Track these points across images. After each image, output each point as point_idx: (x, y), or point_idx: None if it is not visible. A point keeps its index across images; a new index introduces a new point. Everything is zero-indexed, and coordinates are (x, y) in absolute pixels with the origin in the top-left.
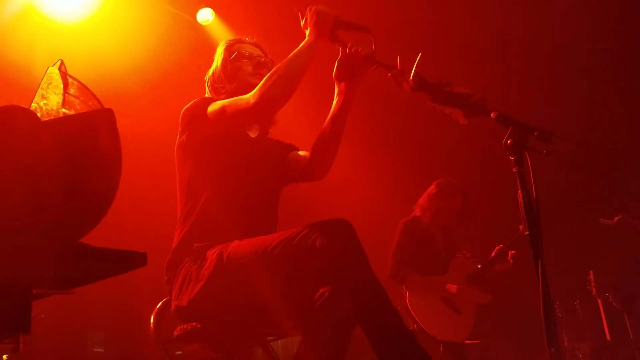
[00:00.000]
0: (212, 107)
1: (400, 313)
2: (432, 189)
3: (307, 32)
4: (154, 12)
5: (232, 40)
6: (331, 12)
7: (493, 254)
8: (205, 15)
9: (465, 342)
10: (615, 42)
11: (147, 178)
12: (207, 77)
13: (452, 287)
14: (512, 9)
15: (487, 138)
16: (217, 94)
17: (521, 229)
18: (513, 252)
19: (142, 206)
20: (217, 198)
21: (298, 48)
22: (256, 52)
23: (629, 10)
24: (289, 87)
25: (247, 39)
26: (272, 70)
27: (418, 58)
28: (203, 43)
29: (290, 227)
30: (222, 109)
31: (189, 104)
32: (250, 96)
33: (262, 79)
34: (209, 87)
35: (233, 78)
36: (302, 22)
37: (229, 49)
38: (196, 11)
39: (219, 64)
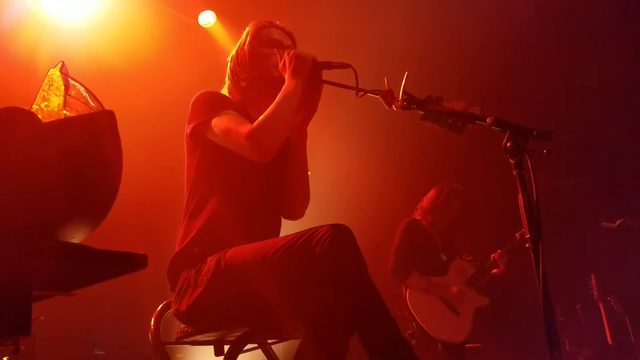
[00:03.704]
0: (217, 122)
1: (401, 312)
2: (432, 192)
3: (286, 76)
4: (156, 15)
5: (263, 22)
6: (309, 56)
7: (490, 260)
8: (207, 18)
9: (467, 345)
10: (615, 38)
11: (149, 181)
12: (229, 58)
13: (453, 288)
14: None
15: (489, 140)
16: (236, 79)
17: (517, 236)
18: (505, 259)
19: (143, 208)
20: (225, 205)
21: (282, 92)
22: (286, 41)
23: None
24: (280, 133)
25: (277, 23)
26: (264, 115)
27: (405, 76)
28: (205, 46)
29: (291, 230)
30: (225, 132)
31: (199, 94)
32: (248, 138)
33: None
34: (229, 70)
35: (258, 65)
36: (280, 65)
37: (258, 33)
38: (198, 14)
39: (247, 47)
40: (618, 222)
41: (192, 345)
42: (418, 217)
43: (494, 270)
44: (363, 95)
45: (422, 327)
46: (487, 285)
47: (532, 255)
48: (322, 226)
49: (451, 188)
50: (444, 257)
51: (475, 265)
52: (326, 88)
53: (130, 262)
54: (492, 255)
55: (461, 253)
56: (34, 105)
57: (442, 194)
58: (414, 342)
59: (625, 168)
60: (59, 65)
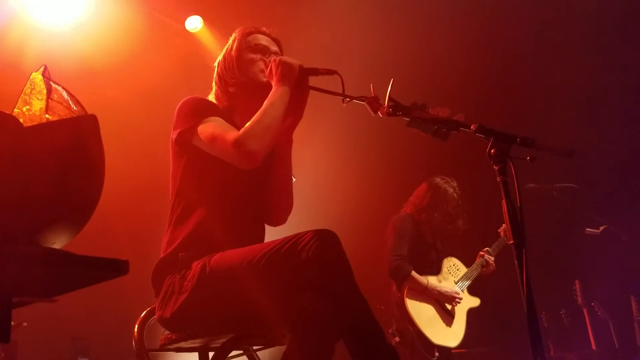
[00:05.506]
0: (204, 129)
1: (385, 308)
2: (425, 187)
3: (273, 82)
4: (143, 19)
5: (250, 28)
6: (295, 63)
7: (477, 259)
8: (194, 23)
9: (452, 350)
10: (603, 44)
11: (132, 187)
12: (216, 63)
13: (448, 290)
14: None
15: (475, 146)
16: (224, 84)
17: (501, 233)
18: (492, 257)
19: (127, 213)
20: (211, 212)
21: (269, 99)
22: (273, 47)
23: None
24: (267, 140)
25: (264, 29)
26: (251, 121)
27: (391, 83)
28: (191, 50)
29: (275, 236)
30: (212, 138)
31: (185, 100)
32: (234, 145)
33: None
34: (216, 75)
35: (245, 70)
36: (267, 71)
37: (245, 38)
38: (185, 19)
39: (234, 52)
40: (602, 228)
41: (177, 352)
42: (409, 212)
43: (484, 269)
44: (349, 101)
45: (421, 332)
46: (475, 285)
47: (516, 261)
48: (308, 231)
49: (446, 182)
50: (434, 255)
51: (466, 264)
52: (312, 94)
53: (112, 268)
54: (480, 253)
55: (450, 252)
56: (15, 109)
57: (438, 189)
58: (396, 339)
59: (609, 175)
60: (41, 69)
